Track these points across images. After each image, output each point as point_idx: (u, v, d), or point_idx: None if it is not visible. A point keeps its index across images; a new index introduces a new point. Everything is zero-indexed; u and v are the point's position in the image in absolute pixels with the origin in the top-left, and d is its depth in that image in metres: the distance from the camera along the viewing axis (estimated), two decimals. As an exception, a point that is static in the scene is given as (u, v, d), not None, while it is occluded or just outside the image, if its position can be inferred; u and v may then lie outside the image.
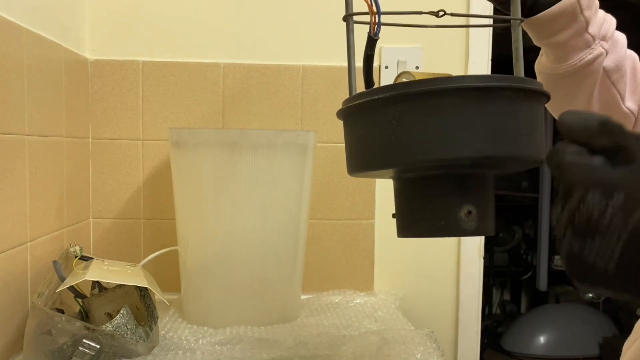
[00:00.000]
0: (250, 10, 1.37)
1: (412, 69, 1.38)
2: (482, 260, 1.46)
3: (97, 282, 1.02)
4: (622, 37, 0.79)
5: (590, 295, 3.36)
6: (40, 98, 1.05)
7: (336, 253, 1.41)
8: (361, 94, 0.64)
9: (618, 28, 0.79)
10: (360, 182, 1.38)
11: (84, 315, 1.01)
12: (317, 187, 1.36)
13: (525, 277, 3.68)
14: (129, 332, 0.90)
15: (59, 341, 0.85)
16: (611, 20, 0.78)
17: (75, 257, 1.02)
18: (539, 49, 0.83)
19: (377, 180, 1.36)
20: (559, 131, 0.45)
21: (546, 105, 0.84)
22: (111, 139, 1.35)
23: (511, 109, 0.59)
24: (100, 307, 1.01)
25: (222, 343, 1.03)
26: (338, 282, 1.40)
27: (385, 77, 1.38)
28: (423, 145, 0.59)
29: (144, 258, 1.14)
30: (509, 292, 3.84)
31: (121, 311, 0.90)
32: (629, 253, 0.40)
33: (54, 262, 0.97)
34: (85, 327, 0.85)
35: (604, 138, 0.42)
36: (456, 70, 1.40)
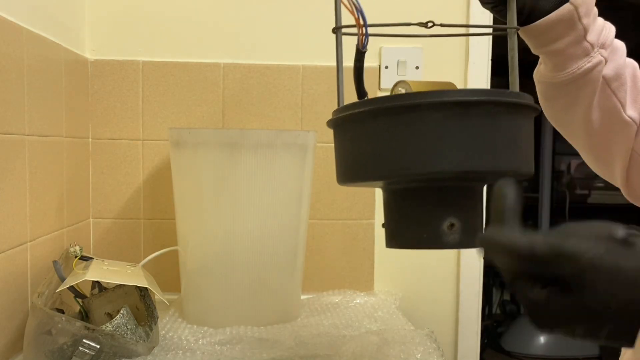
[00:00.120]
0: (250, 10, 1.37)
1: (412, 69, 1.38)
2: (482, 260, 1.46)
3: (97, 282, 1.02)
4: (621, 45, 0.78)
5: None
6: (40, 98, 1.05)
7: (336, 253, 1.41)
8: (347, 106, 0.65)
9: (618, 28, 0.78)
10: (360, 182, 1.38)
11: (84, 315, 1.01)
12: (317, 187, 1.36)
13: (525, 277, 3.68)
14: (129, 332, 0.90)
15: (59, 341, 0.85)
16: (610, 28, 0.77)
17: (75, 257, 1.02)
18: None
19: (377, 180, 1.36)
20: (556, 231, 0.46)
21: (546, 114, 0.83)
22: (111, 139, 1.35)
23: (492, 122, 0.59)
24: (100, 307, 1.01)
25: (222, 343, 1.03)
26: (338, 282, 1.40)
27: (385, 77, 1.38)
28: (404, 159, 0.60)
29: (144, 258, 1.14)
30: (509, 292, 3.83)
31: (121, 311, 0.90)
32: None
33: (54, 262, 0.97)
34: (85, 327, 0.85)
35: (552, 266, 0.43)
36: (456, 70, 1.41)
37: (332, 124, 0.68)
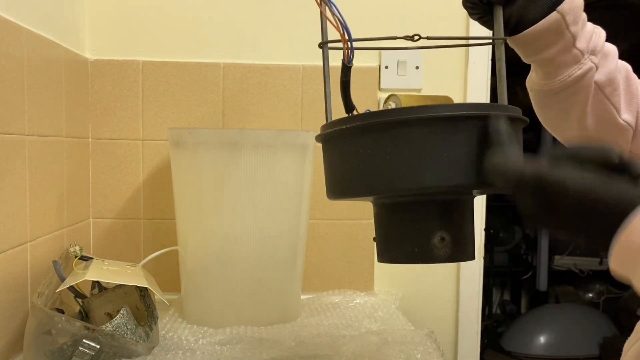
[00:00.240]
0: (250, 11, 1.37)
1: (412, 69, 1.38)
2: (482, 260, 1.46)
3: (97, 282, 1.02)
4: (613, 49, 0.77)
5: (590, 295, 3.36)
6: (40, 98, 1.05)
7: (336, 253, 1.41)
8: (335, 122, 0.65)
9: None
10: (360, 182, 1.38)
11: (84, 315, 1.01)
12: (317, 187, 1.36)
13: (525, 277, 3.67)
14: (129, 332, 0.89)
15: (59, 341, 0.85)
16: (600, 33, 0.76)
17: (75, 257, 1.02)
18: None
19: (377, 180, 1.36)
20: (553, 156, 0.52)
21: (541, 121, 0.83)
22: (111, 139, 1.35)
23: (478, 136, 0.59)
24: (100, 307, 1.01)
25: (222, 343, 1.03)
26: (338, 282, 1.40)
27: (385, 77, 1.37)
28: (392, 175, 0.60)
29: (144, 258, 1.14)
30: (509, 292, 3.83)
31: (121, 311, 0.90)
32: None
33: (54, 262, 0.97)
34: (85, 327, 0.85)
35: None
36: (456, 71, 1.40)
37: (320, 139, 0.68)
